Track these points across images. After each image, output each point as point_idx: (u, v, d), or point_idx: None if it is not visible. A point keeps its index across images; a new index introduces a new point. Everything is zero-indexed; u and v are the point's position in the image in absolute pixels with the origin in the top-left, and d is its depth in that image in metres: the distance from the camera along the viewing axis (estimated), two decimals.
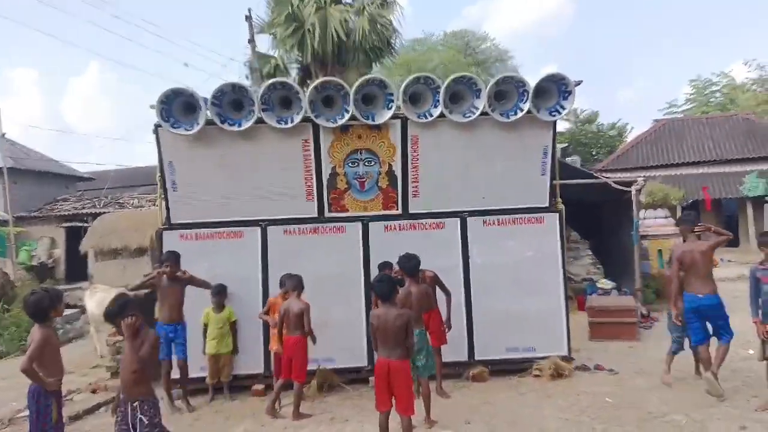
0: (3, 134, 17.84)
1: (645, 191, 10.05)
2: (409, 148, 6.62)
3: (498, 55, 38.32)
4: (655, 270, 11.67)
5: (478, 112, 6.44)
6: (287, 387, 5.80)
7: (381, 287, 4.68)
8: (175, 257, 6.15)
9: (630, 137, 32.58)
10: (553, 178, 6.82)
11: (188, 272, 6.23)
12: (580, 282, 11.50)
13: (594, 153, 34.42)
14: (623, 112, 69.28)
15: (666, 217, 12.18)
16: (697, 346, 5.96)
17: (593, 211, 12.09)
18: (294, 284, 5.75)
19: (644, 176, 10.52)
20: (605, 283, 10.82)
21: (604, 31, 73.00)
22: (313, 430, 5.35)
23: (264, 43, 17.00)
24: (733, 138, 24.15)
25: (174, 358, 6.17)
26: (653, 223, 11.93)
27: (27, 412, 4.33)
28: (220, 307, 6.49)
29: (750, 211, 21.52)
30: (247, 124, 6.28)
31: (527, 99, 6.42)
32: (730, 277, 14.98)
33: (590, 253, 12.03)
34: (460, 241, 6.83)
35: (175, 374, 6.23)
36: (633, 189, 9.56)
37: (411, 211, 6.82)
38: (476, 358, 6.79)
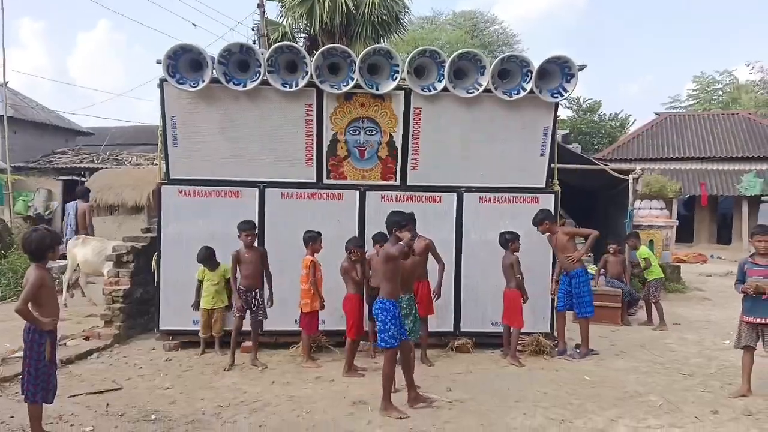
0: (6, 83, 17.77)
1: (642, 181, 10.13)
2: (411, 120, 6.68)
3: (505, 38, 38.27)
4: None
5: (481, 89, 6.50)
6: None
7: (502, 238, 6.48)
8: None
9: (632, 129, 32.61)
10: (551, 159, 6.90)
11: None
12: None
13: (595, 142, 34.47)
14: (627, 105, 69.41)
15: (661, 209, 12.27)
16: None
17: (589, 198, 12.20)
18: (349, 245, 6.08)
19: (642, 167, 10.55)
20: (593, 269, 10.95)
21: (613, 23, 72.45)
22: (298, 388, 5.49)
23: (273, 9, 16.88)
24: (733, 136, 24.19)
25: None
26: (647, 213, 12.04)
27: (21, 353, 4.45)
28: (213, 266, 6.60)
29: (745, 209, 21.61)
30: (251, 85, 6.32)
31: (530, 79, 6.47)
32: (718, 273, 15.22)
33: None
34: (455, 215, 6.92)
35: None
36: (630, 177, 9.67)
37: (409, 183, 6.90)
38: (461, 330, 6.95)
